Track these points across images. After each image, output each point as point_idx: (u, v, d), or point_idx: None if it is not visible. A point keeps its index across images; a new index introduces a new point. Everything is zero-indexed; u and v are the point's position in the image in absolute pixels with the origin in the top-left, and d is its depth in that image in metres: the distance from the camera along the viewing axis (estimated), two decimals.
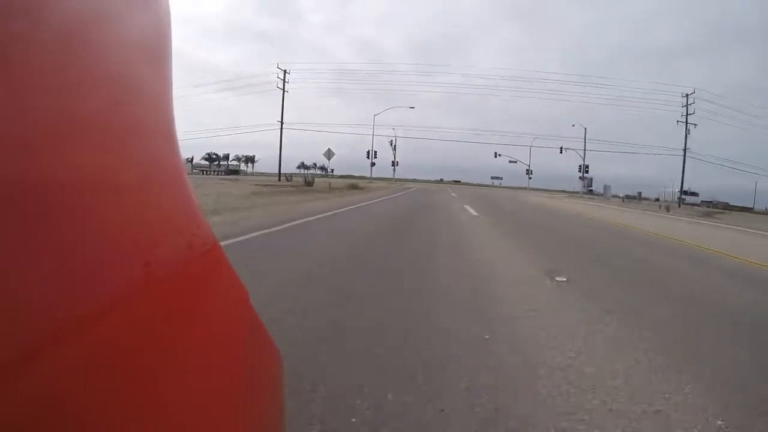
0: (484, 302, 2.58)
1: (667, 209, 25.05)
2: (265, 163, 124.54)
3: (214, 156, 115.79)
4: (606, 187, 46.06)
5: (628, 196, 46.34)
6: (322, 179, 32.97)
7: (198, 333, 0.35)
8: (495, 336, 1.99)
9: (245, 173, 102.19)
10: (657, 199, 53.78)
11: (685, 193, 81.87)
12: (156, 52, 0.36)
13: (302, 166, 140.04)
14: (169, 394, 0.29)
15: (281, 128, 36.89)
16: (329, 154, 25.99)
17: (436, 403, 1.37)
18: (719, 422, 1.36)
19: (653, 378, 1.66)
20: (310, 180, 23.21)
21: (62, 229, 0.24)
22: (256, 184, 19.93)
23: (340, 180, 37.44)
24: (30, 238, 0.21)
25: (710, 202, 67.77)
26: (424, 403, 1.36)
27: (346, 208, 9.26)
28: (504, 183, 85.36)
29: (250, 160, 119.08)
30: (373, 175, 52.18)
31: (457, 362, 1.69)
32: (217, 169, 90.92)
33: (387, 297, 2.59)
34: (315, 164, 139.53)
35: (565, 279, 3.30)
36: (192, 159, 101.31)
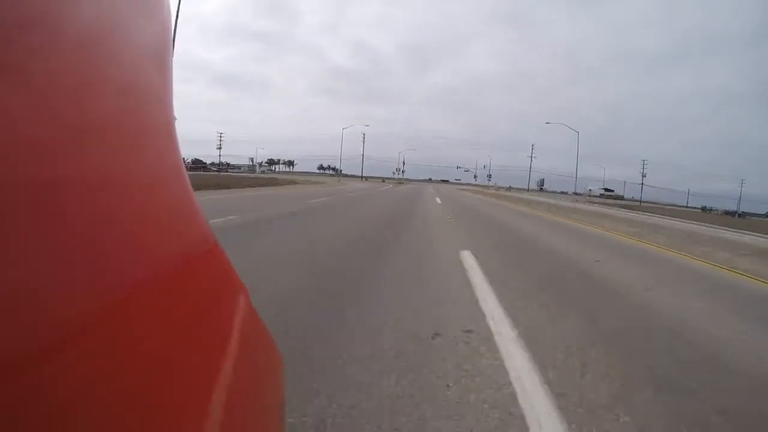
0: (420, 195, 23.27)
1: (497, 190, 63.92)
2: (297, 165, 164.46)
3: (272, 160, 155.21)
4: (495, 183, 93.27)
5: (508, 187, 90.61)
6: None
7: (198, 331, 0.35)
8: (414, 194, 25.61)
9: (277, 172, 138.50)
10: (527, 190, 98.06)
11: (607, 189, 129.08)
12: (160, 58, 0.37)
13: (321, 167, 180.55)
14: (169, 392, 0.29)
15: (362, 161, 77.43)
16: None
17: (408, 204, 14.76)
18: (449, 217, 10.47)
19: (436, 201, 20.99)
20: (384, 179, 61.61)
21: (69, 227, 0.24)
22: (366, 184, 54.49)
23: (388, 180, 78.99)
24: (35, 236, 0.21)
25: (614, 196, 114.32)
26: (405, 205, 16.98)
27: (411, 185, 46.54)
28: (462, 182, 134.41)
29: (290, 163, 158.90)
30: (384, 176, 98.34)
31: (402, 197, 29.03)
32: (258, 169, 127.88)
33: (409, 192, 35.12)
34: (329, 165, 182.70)
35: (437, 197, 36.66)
36: (261, 163, 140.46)
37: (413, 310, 2.57)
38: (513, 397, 1.57)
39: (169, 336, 0.31)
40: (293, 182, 29.55)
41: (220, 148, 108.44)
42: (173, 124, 0.39)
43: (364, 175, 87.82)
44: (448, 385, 1.64)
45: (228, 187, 16.97)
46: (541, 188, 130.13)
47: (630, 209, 27.30)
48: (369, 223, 7.62)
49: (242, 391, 0.38)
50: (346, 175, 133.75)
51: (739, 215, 68.51)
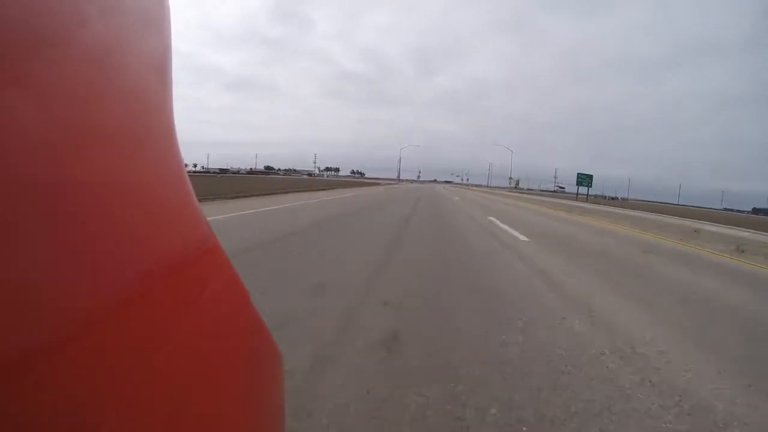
0: (436, 190, 37.45)
1: (468, 187, 77.13)
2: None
3: (329, 168, 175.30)
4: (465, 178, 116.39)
5: (477, 185, 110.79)
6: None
7: (198, 333, 0.32)
8: (434, 188, 44.11)
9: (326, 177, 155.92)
10: (487, 186, 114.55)
11: (560, 187, 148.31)
12: (160, 66, 0.35)
13: (353, 171, 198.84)
14: (169, 393, 0.26)
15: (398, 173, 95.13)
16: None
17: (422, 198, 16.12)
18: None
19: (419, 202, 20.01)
20: (412, 181, 76.98)
21: (72, 227, 0.22)
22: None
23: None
24: (40, 236, 0.20)
25: (561, 191, 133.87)
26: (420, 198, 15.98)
27: (427, 185, 60.42)
28: (455, 182, 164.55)
29: (337, 170, 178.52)
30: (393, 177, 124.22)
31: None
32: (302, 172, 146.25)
33: (432, 187, 49.13)
34: (357, 170, 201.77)
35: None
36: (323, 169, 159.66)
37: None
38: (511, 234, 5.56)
39: (169, 336, 0.28)
40: (357, 185, 34.37)
41: (315, 162, 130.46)
42: (174, 129, 0.36)
43: (394, 178, 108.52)
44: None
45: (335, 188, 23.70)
46: (517, 186, 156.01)
47: (542, 195, 39.73)
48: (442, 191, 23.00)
49: (242, 391, 0.35)
50: (369, 178, 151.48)
51: (612, 198, 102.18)
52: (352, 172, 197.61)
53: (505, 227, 6.54)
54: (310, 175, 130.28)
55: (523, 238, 5.38)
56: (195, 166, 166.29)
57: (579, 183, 40.30)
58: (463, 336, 1.72)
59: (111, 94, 0.28)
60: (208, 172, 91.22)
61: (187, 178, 0.36)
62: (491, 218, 8.14)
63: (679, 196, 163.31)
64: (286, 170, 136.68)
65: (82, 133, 0.25)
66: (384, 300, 2.16)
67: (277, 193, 12.51)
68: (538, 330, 1.87)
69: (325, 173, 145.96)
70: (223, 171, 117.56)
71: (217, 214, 5.66)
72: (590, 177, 40.55)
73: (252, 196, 10.55)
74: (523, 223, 7.64)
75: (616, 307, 2.43)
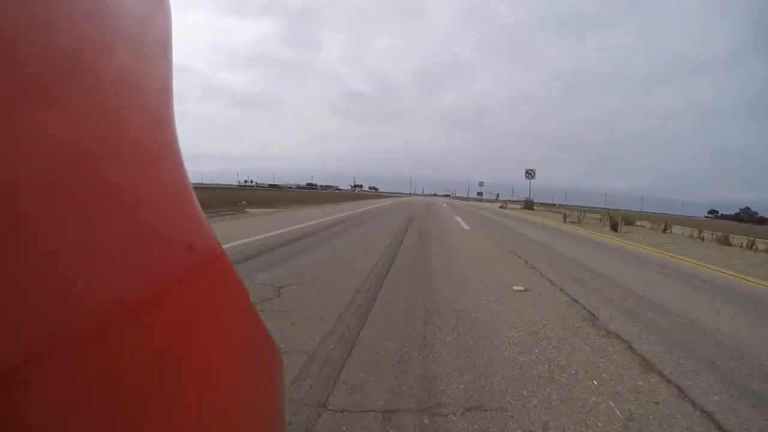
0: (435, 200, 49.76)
1: (455, 196, 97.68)
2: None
3: (355, 185, 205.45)
4: (454, 192, 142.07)
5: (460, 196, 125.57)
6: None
7: (200, 333, 0.31)
8: (434, 199, 66.99)
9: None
10: (467, 196, 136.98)
11: (527, 198, 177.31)
12: (165, 87, 0.36)
13: (371, 187, 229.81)
14: (171, 393, 0.26)
15: (410, 184, 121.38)
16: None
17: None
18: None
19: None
20: (418, 194, 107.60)
21: (81, 234, 0.22)
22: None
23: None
24: (49, 241, 0.19)
25: (524, 200, 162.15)
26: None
27: (429, 198, 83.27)
28: (451, 196, 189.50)
29: (360, 186, 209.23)
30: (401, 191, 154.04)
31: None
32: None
33: (431, 199, 72.75)
34: (372, 186, 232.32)
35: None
36: (360, 185, 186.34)
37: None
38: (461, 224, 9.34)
39: (171, 338, 0.28)
40: (386, 197, 46.67)
41: (354, 181, 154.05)
42: (177, 141, 0.36)
43: (405, 192, 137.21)
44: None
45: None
46: (497, 197, 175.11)
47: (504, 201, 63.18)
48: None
49: (243, 391, 0.34)
50: (384, 192, 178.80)
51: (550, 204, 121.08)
52: (369, 187, 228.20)
53: (445, 204, 34.07)
54: (338, 189, 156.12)
55: (445, 204, 32.84)
56: (252, 181, 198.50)
57: (478, 194, 72.85)
58: (424, 207, 19.14)
59: (123, 113, 0.29)
60: (257, 187, 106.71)
61: (192, 190, 0.37)
62: (444, 204, 35.73)
63: (605, 201, 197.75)
64: (324, 186, 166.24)
65: (95, 147, 0.25)
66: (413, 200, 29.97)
67: (357, 200, 23.67)
68: (430, 207, 19.59)
69: (354, 189, 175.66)
70: (273, 186, 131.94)
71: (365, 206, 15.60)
72: (481, 193, 74.42)
73: (336, 202, 18.92)
74: (454, 205, 33.61)
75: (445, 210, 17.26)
